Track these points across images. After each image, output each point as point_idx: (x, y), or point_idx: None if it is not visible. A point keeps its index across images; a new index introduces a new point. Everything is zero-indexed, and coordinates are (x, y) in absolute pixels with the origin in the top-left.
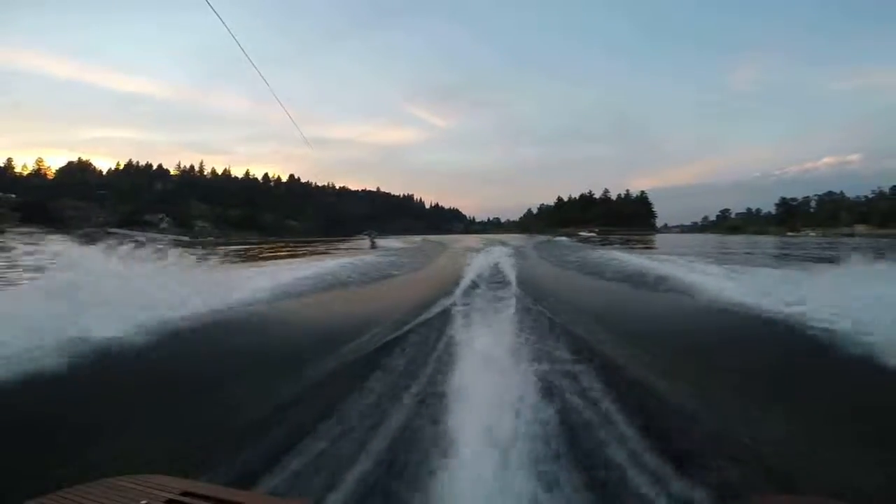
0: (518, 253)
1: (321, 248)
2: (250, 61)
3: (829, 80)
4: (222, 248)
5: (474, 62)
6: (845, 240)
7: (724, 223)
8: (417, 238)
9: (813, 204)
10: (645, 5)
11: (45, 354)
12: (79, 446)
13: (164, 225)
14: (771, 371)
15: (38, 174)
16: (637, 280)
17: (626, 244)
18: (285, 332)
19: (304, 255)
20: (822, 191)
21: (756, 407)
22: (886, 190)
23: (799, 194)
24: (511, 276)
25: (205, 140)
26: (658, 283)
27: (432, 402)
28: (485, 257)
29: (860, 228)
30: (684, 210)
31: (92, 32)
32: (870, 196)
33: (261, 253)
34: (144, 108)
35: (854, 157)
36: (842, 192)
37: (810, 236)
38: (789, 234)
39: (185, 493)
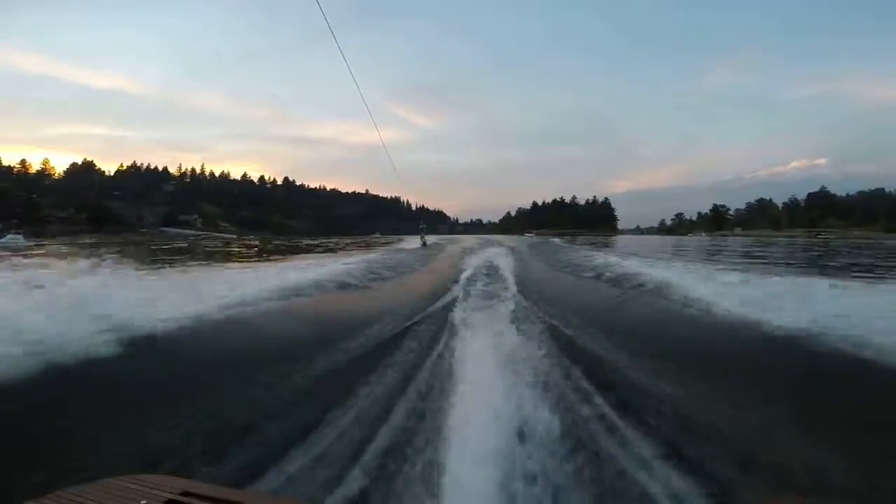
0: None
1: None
2: (343, 58)
3: (799, 85)
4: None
5: (455, 63)
6: (716, 241)
7: (665, 226)
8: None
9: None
10: (622, 12)
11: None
12: (79, 446)
13: (198, 224)
14: (771, 373)
15: (44, 174)
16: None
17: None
18: (285, 330)
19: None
20: (791, 193)
21: (756, 408)
22: (801, 198)
23: (766, 196)
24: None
25: (180, 138)
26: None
27: (434, 400)
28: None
29: (738, 230)
30: (660, 211)
31: (59, 27)
32: (786, 202)
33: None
34: (114, 104)
35: (822, 160)
36: (770, 199)
37: (703, 236)
38: (689, 234)
39: (185, 493)
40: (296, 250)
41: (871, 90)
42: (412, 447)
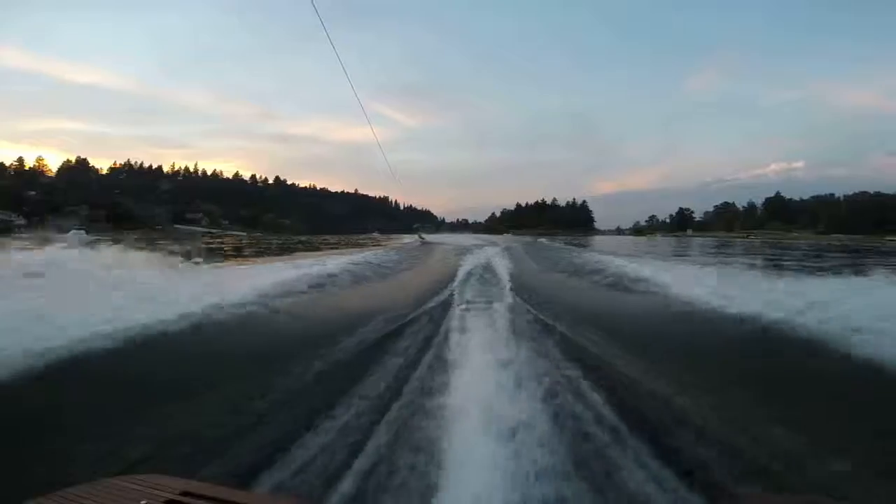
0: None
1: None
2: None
3: (780, 89)
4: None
5: (440, 63)
6: (665, 240)
7: (636, 227)
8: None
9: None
10: (607, 15)
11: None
12: (78, 446)
13: (204, 222)
14: (766, 371)
15: (40, 172)
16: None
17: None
18: (283, 329)
19: None
20: (769, 195)
21: (751, 407)
22: (759, 201)
23: (746, 198)
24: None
25: (164, 134)
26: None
27: (434, 398)
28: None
29: (689, 231)
30: (643, 212)
31: (42, 21)
32: (744, 206)
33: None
34: (96, 100)
35: (799, 164)
36: (734, 202)
37: (657, 236)
38: (647, 235)
39: (185, 493)
40: (341, 244)
41: (848, 95)
42: (412, 444)
